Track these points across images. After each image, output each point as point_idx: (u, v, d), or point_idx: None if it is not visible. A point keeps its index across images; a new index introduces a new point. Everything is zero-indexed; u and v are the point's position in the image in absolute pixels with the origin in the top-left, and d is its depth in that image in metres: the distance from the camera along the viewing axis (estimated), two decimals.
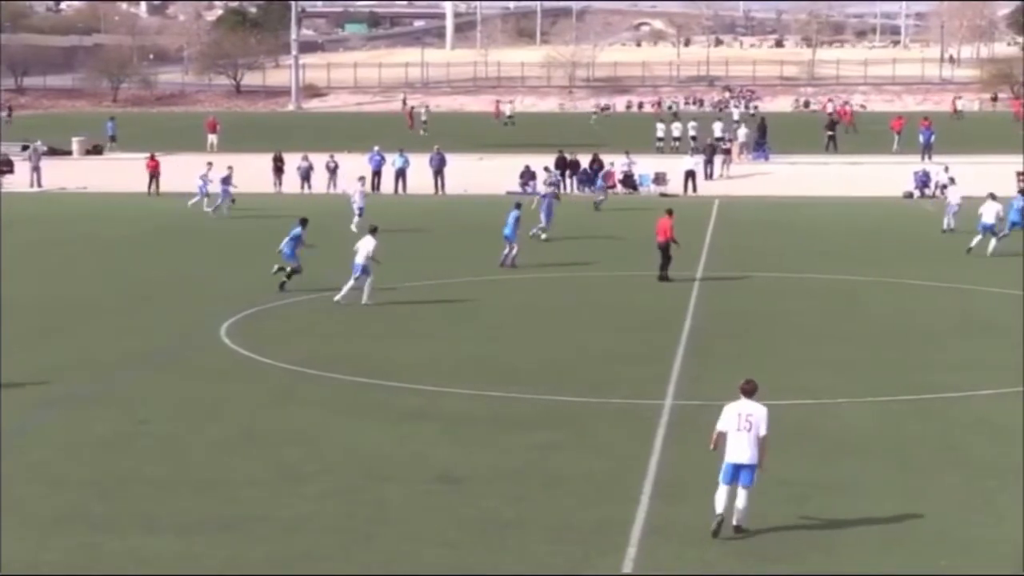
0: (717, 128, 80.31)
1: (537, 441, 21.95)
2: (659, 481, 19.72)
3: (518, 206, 40.42)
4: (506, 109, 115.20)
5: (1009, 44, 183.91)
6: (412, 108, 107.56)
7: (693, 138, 78.39)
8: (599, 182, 57.41)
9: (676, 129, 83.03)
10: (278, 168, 63.35)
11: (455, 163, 64.41)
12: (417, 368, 27.08)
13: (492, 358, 28.30)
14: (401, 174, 60.83)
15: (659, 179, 62.63)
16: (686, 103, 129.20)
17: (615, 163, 61.87)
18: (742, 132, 78.36)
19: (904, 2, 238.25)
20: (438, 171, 61.78)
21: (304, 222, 36.02)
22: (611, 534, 17.48)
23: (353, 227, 45.70)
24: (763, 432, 17.12)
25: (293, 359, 27.75)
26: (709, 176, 65.49)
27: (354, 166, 63.27)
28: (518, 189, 61.44)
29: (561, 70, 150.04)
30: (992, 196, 42.67)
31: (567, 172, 62.95)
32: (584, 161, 63.06)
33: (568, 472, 20.27)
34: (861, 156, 74.96)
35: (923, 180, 60.43)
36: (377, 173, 61.95)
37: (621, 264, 40.51)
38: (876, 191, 60.35)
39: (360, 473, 20.20)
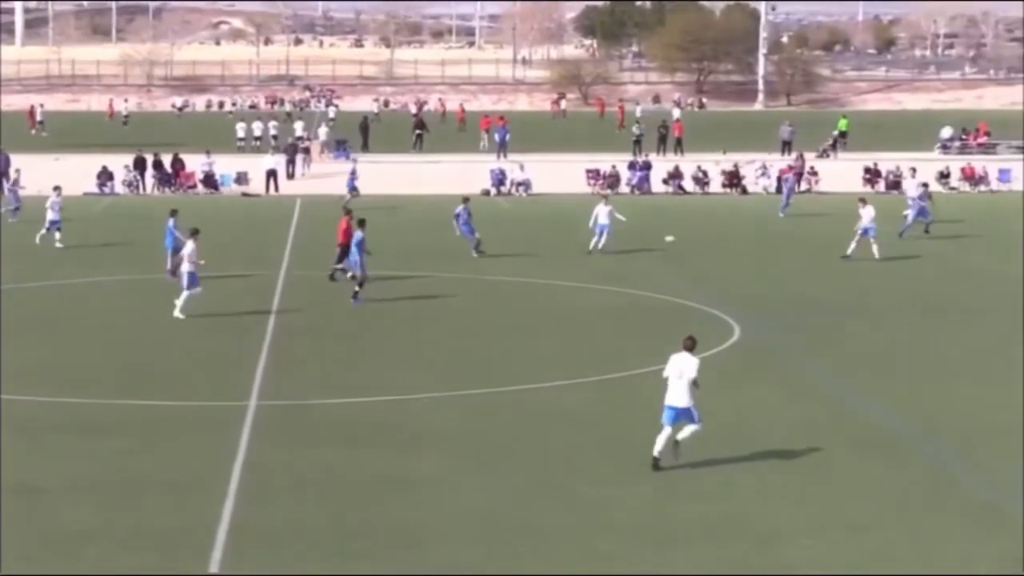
0: (299, 127, 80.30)
1: (118, 448, 21.47)
2: (244, 483, 19.63)
3: (174, 212, 37.99)
4: (122, 108, 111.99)
5: (576, 47, 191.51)
6: (33, 107, 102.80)
7: (274, 137, 78.10)
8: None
9: (257, 128, 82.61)
10: None
11: (30, 163, 62.08)
12: None
13: (69, 364, 27.48)
14: None
15: (240, 179, 62.15)
16: (266, 103, 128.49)
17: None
18: (323, 131, 78.65)
19: (478, 3, 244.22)
20: (3, 173, 59.38)
21: (174, 212, 37.27)
22: (195, 538, 17.30)
23: (57, 243, 43.36)
24: (692, 376, 20.05)
25: None
26: (291, 176, 65.53)
27: None
28: (95, 190, 59.89)
29: (139, 68, 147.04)
30: (605, 199, 44.36)
31: (144, 172, 61.81)
32: (166, 161, 62.19)
33: (151, 478, 19.92)
34: (448, 155, 76.51)
35: (499, 178, 62.11)
36: None
37: (219, 266, 39.70)
38: (456, 189, 61.52)
39: None
